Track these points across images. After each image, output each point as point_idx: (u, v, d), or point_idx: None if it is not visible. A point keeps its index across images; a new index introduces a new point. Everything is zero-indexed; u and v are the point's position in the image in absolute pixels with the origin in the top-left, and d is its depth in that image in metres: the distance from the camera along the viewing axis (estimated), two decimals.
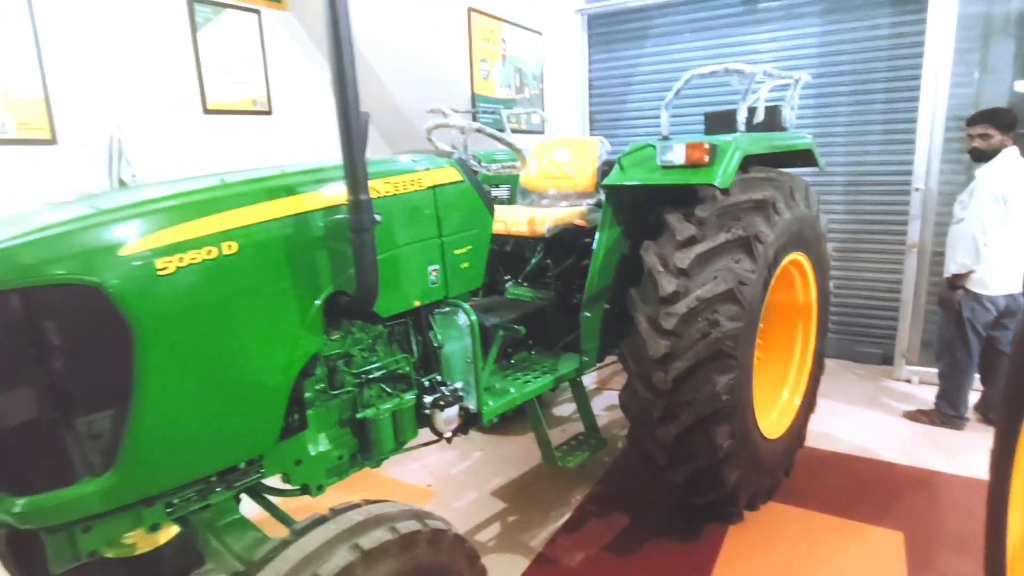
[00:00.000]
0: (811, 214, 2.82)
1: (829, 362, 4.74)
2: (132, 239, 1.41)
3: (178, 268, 1.46)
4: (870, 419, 3.85)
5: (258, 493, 2.01)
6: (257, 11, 3.99)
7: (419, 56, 4.28)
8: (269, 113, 4.13)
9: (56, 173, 3.09)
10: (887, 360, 4.62)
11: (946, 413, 3.65)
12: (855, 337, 4.79)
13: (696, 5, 4.95)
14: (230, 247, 1.55)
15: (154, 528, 1.61)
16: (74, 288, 1.34)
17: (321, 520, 1.40)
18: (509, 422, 3.84)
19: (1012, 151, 3.35)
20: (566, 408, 4.18)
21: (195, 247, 1.49)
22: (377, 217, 1.69)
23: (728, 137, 2.45)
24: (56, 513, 1.41)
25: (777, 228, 2.51)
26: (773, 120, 2.95)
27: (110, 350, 1.41)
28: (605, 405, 4.19)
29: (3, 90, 2.87)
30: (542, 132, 5.06)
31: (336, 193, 1.77)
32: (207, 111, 3.77)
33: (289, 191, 1.71)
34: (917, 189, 4.20)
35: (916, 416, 3.79)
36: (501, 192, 3.47)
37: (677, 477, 2.53)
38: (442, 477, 3.30)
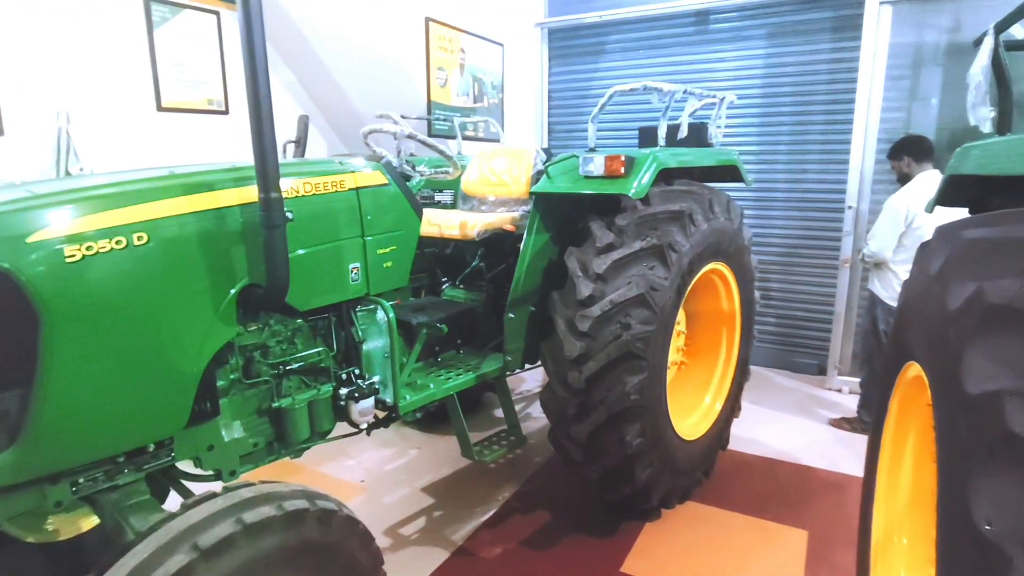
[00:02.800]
0: (732, 227, 2.98)
1: (767, 371, 4.94)
2: (41, 227, 1.49)
3: (85, 256, 1.53)
4: (797, 426, 4.02)
5: (175, 479, 2.08)
6: (216, 12, 4.06)
7: (377, 62, 4.38)
8: (226, 113, 4.19)
9: (2, 164, 3.13)
10: (823, 371, 4.81)
11: (866, 421, 3.83)
12: (792, 348, 4.98)
13: (650, 23, 5.14)
14: (140, 238, 1.62)
15: (58, 505, 1.67)
16: None
17: (211, 496, 1.48)
18: (448, 421, 3.93)
19: (927, 175, 3.56)
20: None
21: (104, 237, 1.56)
22: (289, 215, 1.79)
23: (647, 151, 2.59)
24: None
25: (693, 238, 2.65)
26: (700, 136, 3.10)
27: (15, 333, 1.48)
28: None
29: None
30: (498, 141, 5.18)
31: (253, 191, 1.86)
32: (161, 108, 3.83)
33: (206, 187, 1.79)
34: (850, 207, 4.41)
35: (839, 423, 3.97)
36: (445, 197, 3.58)
37: (591, 473, 2.64)
38: (376, 473, 3.38)
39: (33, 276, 1.45)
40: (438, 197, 3.57)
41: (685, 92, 2.71)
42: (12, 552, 2.32)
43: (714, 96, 3.00)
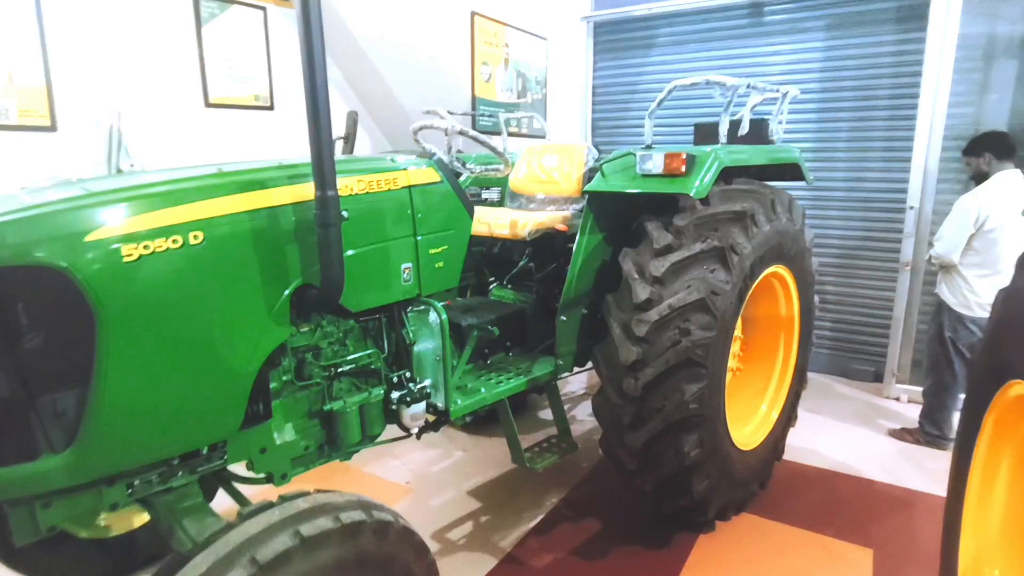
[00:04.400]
0: (794, 228, 2.83)
1: (822, 378, 4.74)
2: (99, 226, 1.46)
3: (142, 256, 1.50)
4: (856, 436, 3.83)
5: (226, 481, 2.06)
6: (263, 8, 4.06)
7: (422, 57, 4.32)
8: (271, 108, 4.20)
9: (55, 160, 3.17)
10: (879, 378, 4.59)
11: (929, 433, 3.63)
12: (849, 354, 4.77)
13: (701, 16, 4.97)
14: (196, 237, 1.59)
15: (114, 507, 1.65)
16: (41, 270, 1.39)
17: (268, 506, 1.43)
18: (494, 423, 3.87)
19: (1004, 175, 3.33)
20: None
21: (161, 236, 1.53)
22: (344, 214, 1.74)
23: (708, 148, 2.46)
24: (16, 487, 1.46)
25: (755, 240, 2.52)
26: (760, 133, 2.96)
27: (73, 332, 1.46)
28: (591, 411, 4.19)
29: (7, 76, 2.96)
30: (543, 137, 5.09)
31: (307, 189, 1.82)
32: (209, 104, 3.84)
33: (260, 185, 1.75)
34: (911, 208, 4.18)
35: (900, 435, 3.77)
36: (492, 194, 3.51)
37: (646, 483, 2.54)
38: (422, 475, 3.33)
39: (90, 275, 1.43)
40: (485, 194, 3.49)
41: (749, 86, 2.57)
42: (67, 548, 2.34)
43: (777, 90, 2.85)
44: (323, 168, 1.64)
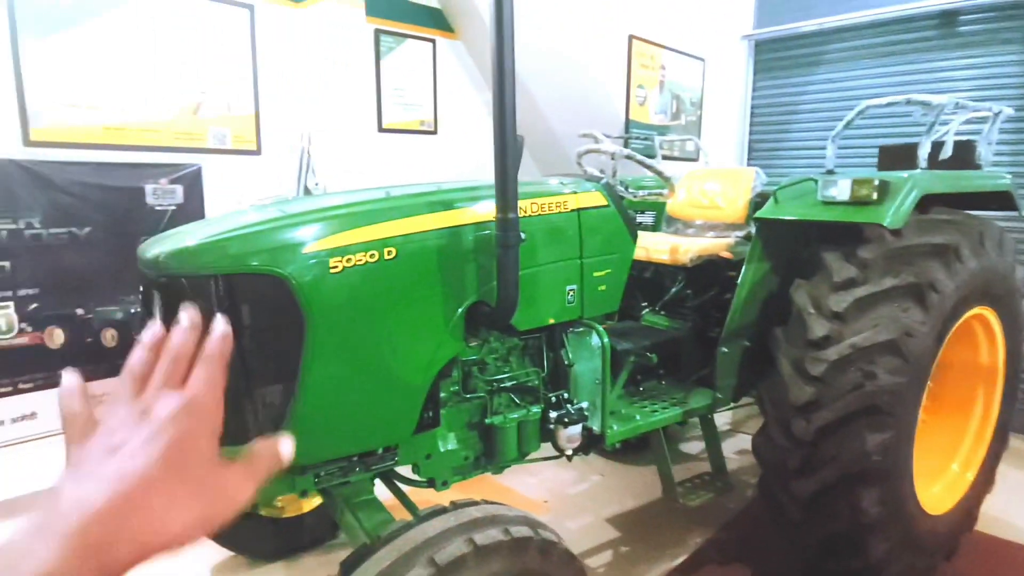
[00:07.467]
0: (1004, 265, 2.48)
1: (1017, 439, 4.08)
2: (313, 239, 1.63)
3: (345, 268, 1.65)
4: None
5: (391, 480, 2.18)
6: (432, 40, 4.37)
7: (576, 81, 4.40)
8: (435, 133, 4.48)
9: (259, 179, 3.62)
10: None
11: None
12: None
13: (880, 29, 4.58)
14: (390, 252, 1.72)
15: (303, 494, 1.82)
16: (266, 277, 1.57)
17: (442, 510, 1.50)
18: (632, 451, 3.77)
19: None
20: (694, 446, 4.00)
21: (362, 250, 1.68)
22: (522, 235, 1.79)
23: (904, 174, 2.24)
24: None
25: (959, 277, 2.24)
26: (966, 156, 2.64)
27: (286, 333, 1.63)
28: (736, 448, 3.95)
29: (226, 106, 3.43)
30: (695, 160, 4.95)
31: (487, 210, 1.90)
32: (382, 129, 4.19)
33: (446, 206, 1.87)
34: None
35: None
36: (646, 219, 3.45)
37: (811, 538, 2.33)
38: (558, 495, 3.32)
39: (304, 283, 1.59)
40: (640, 218, 3.45)
41: (957, 105, 2.31)
42: (247, 523, 2.60)
43: (988, 110, 2.54)
44: (507, 191, 1.70)
